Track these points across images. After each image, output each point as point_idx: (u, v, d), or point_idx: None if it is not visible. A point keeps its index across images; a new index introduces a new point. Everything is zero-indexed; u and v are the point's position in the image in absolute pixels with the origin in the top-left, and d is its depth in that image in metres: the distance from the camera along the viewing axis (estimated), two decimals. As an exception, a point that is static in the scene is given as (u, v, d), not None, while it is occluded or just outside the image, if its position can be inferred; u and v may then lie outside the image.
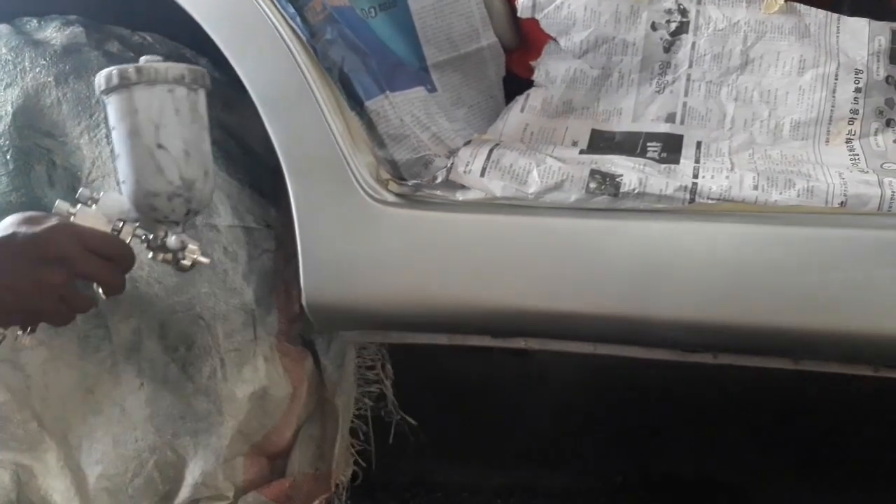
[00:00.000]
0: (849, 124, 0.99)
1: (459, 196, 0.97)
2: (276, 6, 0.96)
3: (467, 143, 1.03)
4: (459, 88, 1.14)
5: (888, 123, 0.99)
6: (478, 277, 0.97)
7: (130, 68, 0.76)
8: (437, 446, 1.48)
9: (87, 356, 1.02)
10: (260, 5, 0.95)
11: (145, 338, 1.01)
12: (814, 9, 1.01)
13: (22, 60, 1.04)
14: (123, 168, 0.78)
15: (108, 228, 0.78)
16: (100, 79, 0.78)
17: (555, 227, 0.95)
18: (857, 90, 0.99)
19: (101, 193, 0.79)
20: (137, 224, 0.80)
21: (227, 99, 1.09)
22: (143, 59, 0.79)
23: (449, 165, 0.98)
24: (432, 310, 0.99)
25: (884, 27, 1.00)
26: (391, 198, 0.98)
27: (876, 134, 0.98)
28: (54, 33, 1.07)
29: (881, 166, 0.93)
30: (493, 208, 0.96)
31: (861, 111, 0.99)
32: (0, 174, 1.02)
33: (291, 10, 0.97)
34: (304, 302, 1.01)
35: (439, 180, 0.97)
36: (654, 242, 0.92)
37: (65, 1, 1.11)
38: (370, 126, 0.98)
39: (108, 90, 0.77)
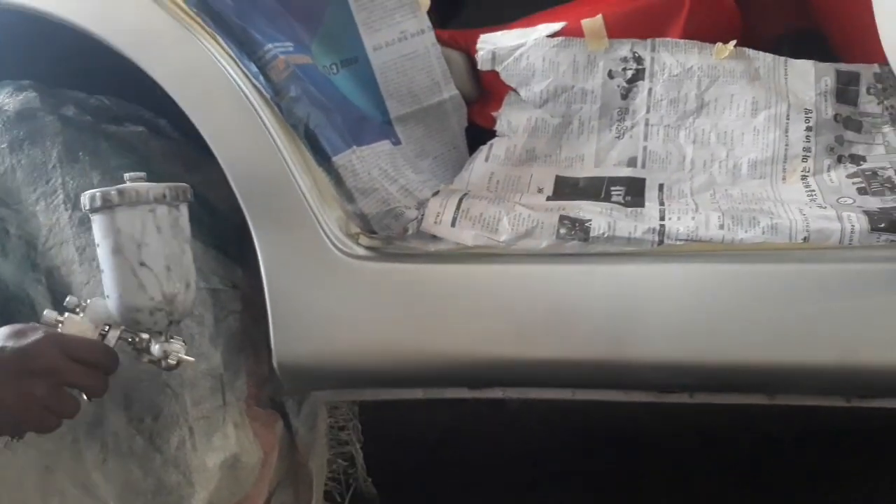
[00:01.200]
0: (803, 161, 1.03)
1: (431, 247, 0.96)
2: (238, 65, 0.96)
3: (436, 193, 1.03)
4: (423, 140, 1.15)
5: (839, 160, 1.03)
6: (453, 328, 0.96)
7: (112, 191, 0.79)
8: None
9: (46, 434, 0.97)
10: (222, 65, 0.95)
11: (108, 410, 0.97)
12: (762, 53, 1.06)
13: (-27, 128, 1.01)
14: (108, 283, 0.81)
15: (95, 334, 0.82)
16: (84, 199, 0.80)
17: (527, 273, 0.95)
18: (808, 129, 1.03)
19: (89, 301, 0.83)
20: (123, 328, 0.83)
21: (189, 159, 1.07)
22: (126, 176, 0.81)
23: (419, 217, 0.97)
24: (408, 364, 0.98)
25: (828, 68, 1.04)
26: (362, 251, 0.97)
27: (829, 170, 1.02)
28: (6, 99, 1.05)
29: (837, 201, 0.96)
30: (465, 258, 0.96)
31: (813, 149, 1.02)
32: (-49, 246, 0.97)
33: (254, 68, 0.96)
34: (274, 362, 0.99)
35: (410, 232, 0.97)
36: (625, 285, 0.93)
37: (17, 66, 1.09)
38: (338, 181, 0.97)
39: (92, 210, 0.80)
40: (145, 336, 0.84)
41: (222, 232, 1.05)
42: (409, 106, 1.13)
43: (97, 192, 0.80)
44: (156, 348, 0.83)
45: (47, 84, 1.08)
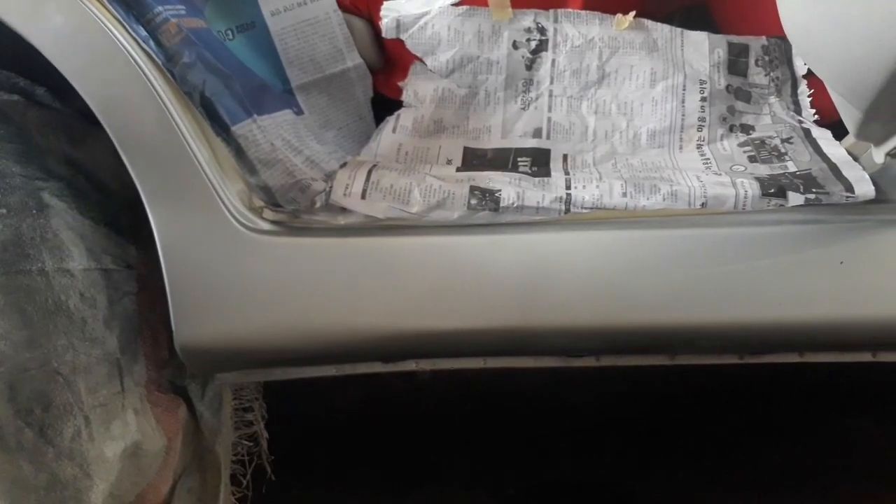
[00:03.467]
0: (698, 131, 1.07)
1: (341, 220, 0.94)
2: (126, 29, 0.89)
3: (343, 165, 1.00)
4: (327, 110, 1.12)
5: (731, 129, 1.07)
6: (365, 302, 0.94)
7: None
8: (320, 481, 1.43)
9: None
10: (109, 29, 0.88)
11: (-9, 402, 0.89)
12: (660, 24, 1.08)
13: None
14: None
15: None
16: None
17: (439, 244, 0.94)
18: (703, 99, 1.07)
19: None
20: None
21: (73, 131, 0.99)
22: None
23: (327, 189, 0.95)
24: (318, 341, 0.95)
25: (721, 40, 1.09)
26: (266, 226, 0.93)
27: (722, 139, 1.07)
28: None
29: (731, 168, 1.00)
30: (376, 231, 0.94)
31: (708, 118, 1.07)
32: None
33: (143, 32, 0.90)
34: (176, 345, 0.94)
35: (319, 205, 0.94)
36: (534, 253, 0.94)
37: None
38: (238, 152, 0.92)
39: None
40: None
41: (113, 209, 0.98)
42: (311, 74, 1.09)
43: None
44: None
45: None
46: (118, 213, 0.99)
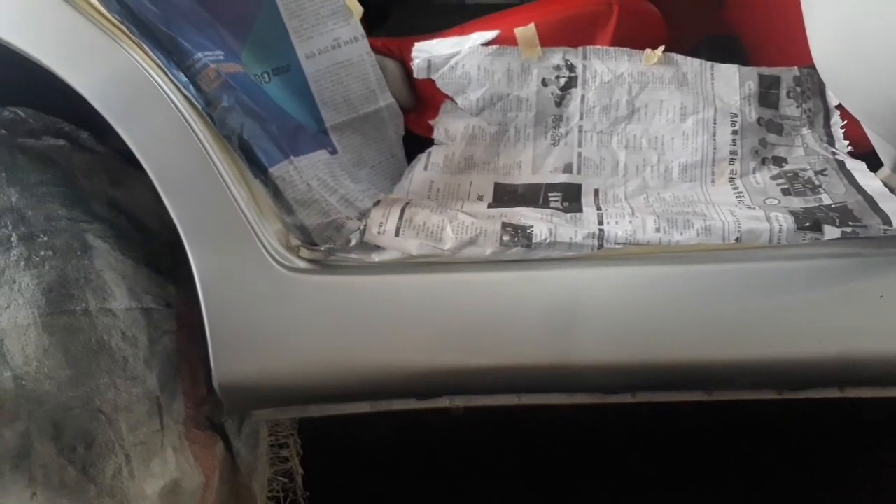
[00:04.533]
0: (730, 164, 1.07)
1: (375, 257, 0.95)
2: (167, 75, 0.92)
3: (377, 203, 1.02)
4: (360, 149, 1.14)
5: (763, 161, 1.07)
6: (399, 339, 0.95)
7: None
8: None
9: (-36, 469, 0.91)
10: (150, 75, 0.91)
11: (35, 441, 0.91)
12: (689, 58, 1.09)
13: None
14: None
15: None
16: None
17: (472, 281, 0.95)
18: (734, 132, 1.07)
19: None
20: None
21: (115, 174, 1.03)
22: None
23: (362, 227, 0.96)
24: (354, 378, 0.96)
25: (751, 72, 1.09)
26: (303, 264, 0.95)
27: (754, 172, 1.06)
28: None
29: (764, 202, 1.00)
30: (410, 267, 0.95)
31: (739, 152, 1.07)
32: None
33: (184, 78, 0.93)
34: (215, 383, 0.95)
35: (353, 243, 0.95)
36: (567, 290, 0.94)
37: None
38: (276, 193, 0.95)
39: None
40: None
41: (153, 249, 1.01)
42: (345, 114, 1.12)
43: None
44: None
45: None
46: (158, 253, 1.01)
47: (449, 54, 1.10)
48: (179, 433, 0.98)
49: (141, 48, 0.92)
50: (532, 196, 1.07)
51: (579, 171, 1.09)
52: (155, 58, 0.92)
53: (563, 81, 1.10)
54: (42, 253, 0.93)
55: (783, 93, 1.09)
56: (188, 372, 1.01)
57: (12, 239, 0.93)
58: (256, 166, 0.94)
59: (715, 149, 1.07)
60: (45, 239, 0.93)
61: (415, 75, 1.11)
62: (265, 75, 1.06)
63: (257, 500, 1.10)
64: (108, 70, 0.92)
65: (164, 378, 0.97)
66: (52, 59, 0.91)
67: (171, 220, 0.93)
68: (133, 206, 1.01)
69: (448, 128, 1.12)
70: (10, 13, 0.91)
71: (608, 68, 1.09)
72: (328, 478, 1.33)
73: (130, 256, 0.98)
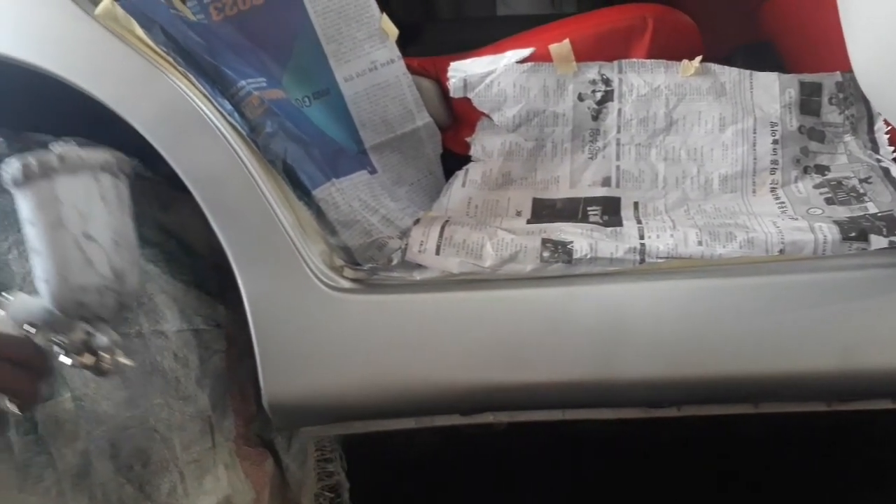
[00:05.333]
0: (771, 174, 1.06)
1: (416, 276, 0.97)
2: (213, 104, 0.95)
3: (417, 221, 1.04)
4: (399, 168, 1.16)
5: (805, 170, 1.06)
6: (442, 356, 0.96)
7: (52, 156, 0.70)
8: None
9: (28, 487, 0.94)
10: (196, 104, 0.94)
11: (95, 459, 0.94)
12: (727, 68, 1.08)
13: (-62, 178, 0.98)
14: (45, 265, 0.71)
15: (17, 334, 0.72)
16: (14, 170, 0.70)
17: (513, 298, 0.96)
18: (775, 142, 1.06)
19: (10, 296, 0.73)
20: (51, 328, 0.73)
21: (164, 199, 1.06)
22: (53, 146, 0.72)
23: (403, 246, 0.98)
24: (399, 395, 0.97)
25: (792, 80, 1.08)
26: (347, 284, 0.97)
27: (796, 181, 1.05)
28: (-29, 146, 1.02)
29: (807, 212, 0.99)
30: (451, 285, 0.96)
31: (780, 161, 1.06)
32: (-80, 301, 0.94)
33: (229, 106, 0.96)
34: (264, 401, 0.97)
35: (395, 262, 0.97)
36: (609, 305, 0.95)
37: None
38: (319, 215, 0.97)
39: (25, 181, 0.70)
40: (81, 333, 0.72)
41: (202, 271, 1.04)
42: (383, 135, 1.14)
43: (30, 157, 0.69)
44: (101, 339, 0.72)
45: (10, 128, 1.05)
46: (206, 275, 1.04)
47: (484, 73, 1.11)
48: (230, 450, 1.00)
49: (187, 78, 0.95)
50: (571, 211, 1.07)
51: (618, 185, 1.10)
52: (201, 87, 0.96)
53: (599, 95, 1.10)
54: (97, 279, 0.96)
55: (825, 99, 1.08)
56: (238, 390, 1.03)
57: (70, 265, 0.97)
58: (300, 189, 0.97)
59: (755, 159, 1.06)
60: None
61: (451, 94, 1.12)
62: (306, 99, 1.09)
63: (306, 514, 1.12)
64: (156, 100, 0.95)
65: (216, 397, 0.99)
66: (103, 91, 0.95)
67: (218, 243, 0.96)
68: (182, 230, 1.05)
69: (485, 144, 1.13)
70: (64, 50, 0.95)
71: (644, 81, 1.09)
72: (373, 491, 1.34)
73: (181, 279, 1.01)
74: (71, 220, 0.70)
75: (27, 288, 0.96)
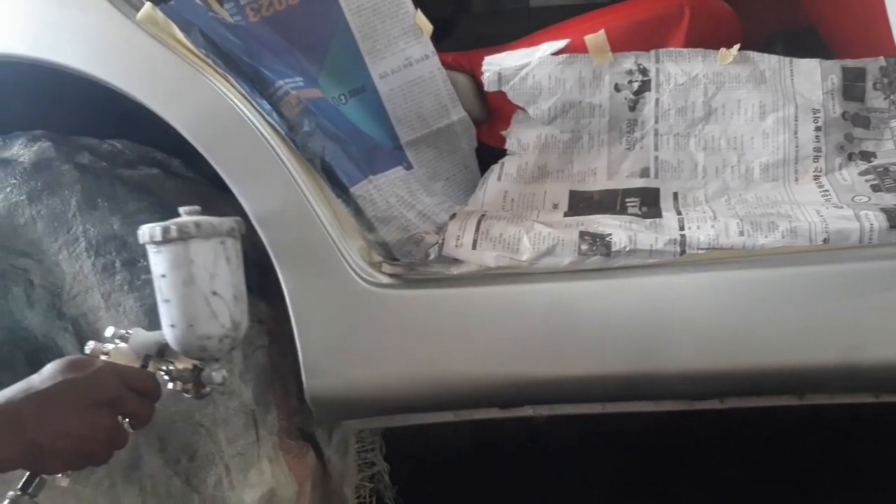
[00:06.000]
0: (814, 162, 1.03)
1: (454, 270, 0.97)
2: (251, 104, 0.96)
3: (453, 216, 1.04)
4: (434, 163, 1.16)
5: (850, 157, 1.04)
6: (480, 350, 0.97)
7: (190, 223, 0.80)
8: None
9: (82, 480, 0.98)
10: (236, 105, 0.96)
11: (144, 453, 0.97)
12: (766, 55, 1.06)
13: (-9, 181, 1.02)
14: (174, 313, 0.81)
15: (137, 364, 0.81)
16: (153, 231, 0.79)
17: (551, 291, 0.95)
18: (818, 129, 1.04)
19: (132, 332, 0.82)
20: (162, 357, 0.83)
21: (205, 198, 1.08)
22: (182, 210, 0.82)
23: (440, 241, 0.98)
24: (439, 388, 0.98)
25: (834, 66, 1.05)
26: (385, 280, 0.98)
27: (840, 169, 1.03)
28: (21, 150, 1.06)
29: (852, 199, 0.97)
30: (488, 279, 0.97)
31: (824, 148, 1.03)
32: (-23, 300, 0.98)
33: (267, 106, 0.97)
34: (306, 395, 0.99)
35: (432, 257, 0.97)
36: (650, 297, 0.94)
37: (25, 116, 1.10)
38: (357, 211, 0.98)
39: (164, 241, 0.80)
40: (187, 366, 0.82)
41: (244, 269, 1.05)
42: (418, 130, 1.14)
43: (171, 224, 0.80)
44: (216, 374, 0.82)
45: (57, 132, 1.08)
46: (248, 273, 1.05)
47: (519, 66, 1.10)
48: (274, 444, 1.02)
49: (226, 79, 0.97)
50: (609, 202, 1.07)
51: (656, 175, 1.08)
52: (239, 88, 0.97)
53: (636, 86, 1.09)
54: (143, 277, 0.99)
55: (869, 85, 1.05)
56: (280, 385, 1.05)
57: (116, 264, 1.00)
58: (338, 187, 0.98)
59: (797, 146, 1.04)
60: (145, 263, 0.99)
61: (485, 88, 1.12)
62: (342, 97, 1.10)
63: (349, 506, 1.14)
64: (196, 102, 0.97)
65: (259, 391, 1.01)
66: (145, 94, 0.97)
67: (259, 241, 0.98)
68: (223, 228, 1.06)
69: (520, 138, 1.13)
70: (107, 55, 0.97)
71: (682, 70, 1.08)
72: (412, 482, 1.35)
73: (223, 277, 1.03)
74: (201, 279, 0.80)
75: (77, 288, 1.00)
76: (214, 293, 0.80)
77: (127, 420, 0.77)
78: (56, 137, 1.08)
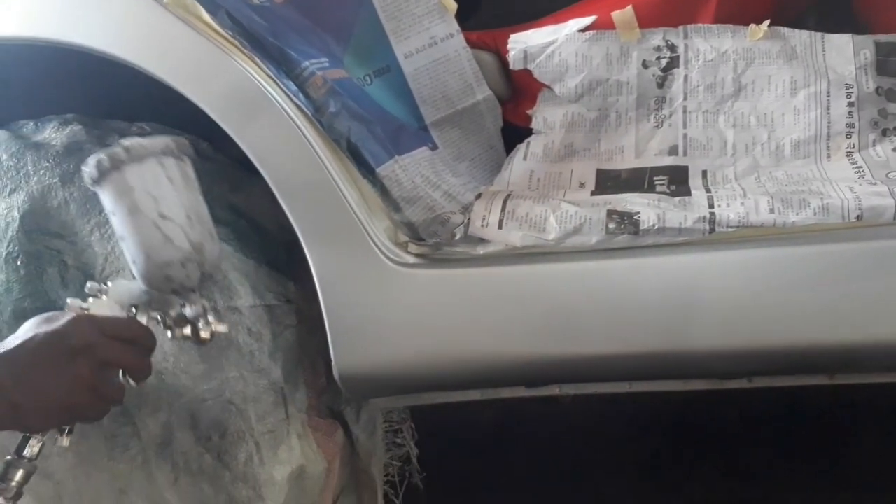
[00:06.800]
0: (847, 138, 1.02)
1: (480, 250, 0.97)
2: (278, 85, 0.97)
3: (479, 196, 1.04)
4: (459, 143, 1.16)
5: (884, 133, 1.02)
6: (507, 329, 0.97)
7: (119, 149, 0.76)
8: (471, 501, 1.46)
9: (117, 456, 1.00)
10: (262, 85, 0.96)
11: (176, 430, 0.99)
12: (797, 30, 1.04)
13: (24, 164, 1.04)
14: (131, 248, 0.78)
15: (123, 315, 0.78)
16: (90, 169, 0.76)
17: (578, 270, 0.95)
18: (850, 104, 1.02)
19: (110, 283, 0.79)
20: (151, 306, 0.80)
21: (234, 180, 1.09)
22: (121, 141, 0.79)
23: (466, 221, 0.98)
24: (465, 367, 0.99)
25: (867, 41, 1.03)
26: (412, 259, 0.98)
27: (874, 145, 1.01)
28: (53, 133, 1.07)
29: (886, 176, 0.95)
30: (515, 259, 0.96)
31: (857, 124, 1.01)
32: (12, 281, 1.00)
33: (293, 87, 0.98)
34: (335, 374, 1.00)
35: (458, 237, 0.97)
36: (679, 276, 0.93)
37: (55, 99, 1.12)
38: (383, 192, 0.98)
39: (101, 177, 0.76)
40: (176, 306, 0.79)
41: (272, 249, 1.07)
42: (443, 110, 1.14)
43: (100, 154, 0.75)
44: (190, 309, 0.79)
45: (86, 115, 1.10)
46: (276, 253, 1.07)
47: (545, 43, 1.10)
48: (303, 421, 1.04)
49: (253, 60, 0.97)
50: (637, 181, 1.06)
51: (685, 153, 1.07)
52: (266, 69, 0.98)
53: (664, 62, 1.08)
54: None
55: (904, 59, 1.03)
56: (309, 363, 1.06)
57: (148, 245, 1.01)
58: (364, 167, 0.98)
59: (829, 123, 1.02)
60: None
61: (511, 66, 1.11)
62: (367, 78, 1.10)
63: (377, 483, 1.15)
64: (223, 83, 0.98)
65: (288, 370, 1.03)
66: (173, 76, 0.98)
67: (286, 221, 0.98)
68: (251, 209, 1.08)
69: (546, 116, 1.12)
70: (135, 37, 0.98)
71: (711, 46, 1.06)
72: (440, 461, 1.36)
73: (252, 257, 1.04)
74: (145, 204, 0.76)
75: (109, 269, 1.01)
76: (162, 216, 0.76)
77: (126, 375, 0.75)
78: (87, 121, 1.09)
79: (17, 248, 1.00)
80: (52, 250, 1.01)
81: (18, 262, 1.00)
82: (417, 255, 0.98)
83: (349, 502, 1.14)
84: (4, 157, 1.05)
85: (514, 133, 1.16)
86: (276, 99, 0.96)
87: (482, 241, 0.98)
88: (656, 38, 1.07)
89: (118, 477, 0.99)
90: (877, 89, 1.02)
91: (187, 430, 0.99)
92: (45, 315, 0.75)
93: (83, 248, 1.02)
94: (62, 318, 0.73)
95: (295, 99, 0.97)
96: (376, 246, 0.96)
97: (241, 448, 0.99)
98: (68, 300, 0.78)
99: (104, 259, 1.01)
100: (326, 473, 1.06)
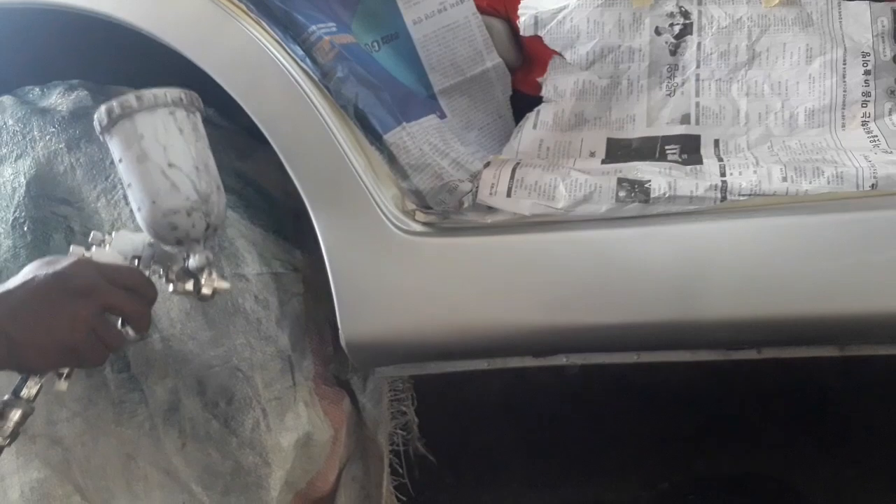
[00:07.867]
0: (862, 107, 1.00)
1: (488, 219, 0.96)
2: (285, 50, 0.95)
3: (487, 164, 1.03)
4: (468, 112, 1.14)
5: (901, 102, 1.00)
6: (515, 298, 0.96)
7: (130, 97, 0.76)
8: (474, 472, 1.46)
9: (124, 422, 1.00)
10: (269, 50, 0.95)
11: (183, 396, 0.99)
12: (814, -2, 1.02)
13: (30, 130, 1.03)
14: (137, 195, 0.78)
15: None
16: (100, 115, 0.76)
17: (588, 239, 0.94)
18: (867, 73, 1.00)
19: (114, 234, 0.80)
20: (154, 259, 0.80)
21: (240, 147, 1.08)
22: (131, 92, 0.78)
23: (474, 189, 0.97)
24: (472, 335, 0.98)
25: (884, 8, 1.01)
26: (419, 227, 0.97)
27: (890, 114, 0.99)
28: (59, 99, 1.06)
29: (903, 145, 0.93)
30: (523, 227, 0.96)
31: (873, 93, 1.00)
32: (19, 247, 1.00)
33: (300, 51, 0.96)
34: (342, 342, 1.00)
35: (466, 205, 0.97)
36: (689, 244, 0.92)
37: (62, 65, 1.11)
38: (391, 159, 0.97)
39: (111, 123, 0.76)
40: (180, 259, 0.79)
41: (279, 217, 1.06)
42: (452, 78, 1.12)
43: (113, 101, 0.75)
44: (195, 259, 0.78)
45: (94, 81, 1.09)
46: (283, 221, 1.06)
47: (556, 9, 1.08)
48: (310, 389, 1.04)
49: (259, 25, 0.96)
50: (648, 150, 1.04)
51: (697, 122, 1.06)
52: (273, 33, 0.96)
53: (677, 29, 1.06)
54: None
55: (922, 27, 1.01)
56: (315, 332, 1.06)
57: (154, 211, 1.00)
58: (371, 134, 0.97)
59: (845, 91, 1.00)
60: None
61: (521, 33, 1.10)
62: (375, 44, 1.09)
63: (383, 452, 1.16)
64: (230, 48, 0.96)
65: (295, 337, 1.02)
66: (179, 40, 0.96)
67: (293, 189, 0.98)
68: (258, 177, 1.07)
69: (557, 84, 1.11)
70: (141, 1, 0.96)
71: (725, 13, 1.04)
72: (444, 432, 1.37)
73: (259, 225, 1.03)
74: (154, 151, 0.76)
75: (116, 234, 1.01)
76: (171, 164, 0.76)
77: (126, 325, 0.75)
78: (92, 87, 1.08)
79: (23, 213, 1.00)
80: (59, 216, 1.01)
81: (25, 228, 1.00)
82: (425, 224, 0.98)
83: (356, 470, 1.14)
84: (10, 122, 1.04)
85: (524, 101, 1.15)
86: (282, 64, 0.95)
87: (490, 209, 0.97)
88: (670, 4, 1.06)
89: (126, 443, 1.00)
90: (894, 57, 1.00)
91: (194, 396, 0.99)
92: (46, 258, 0.75)
93: (90, 214, 1.01)
94: (64, 261, 0.73)
95: (302, 63, 0.96)
96: (383, 214, 0.96)
97: (247, 414, 0.99)
98: (71, 247, 0.79)
99: (111, 225, 1.01)
100: (333, 441, 1.06)
